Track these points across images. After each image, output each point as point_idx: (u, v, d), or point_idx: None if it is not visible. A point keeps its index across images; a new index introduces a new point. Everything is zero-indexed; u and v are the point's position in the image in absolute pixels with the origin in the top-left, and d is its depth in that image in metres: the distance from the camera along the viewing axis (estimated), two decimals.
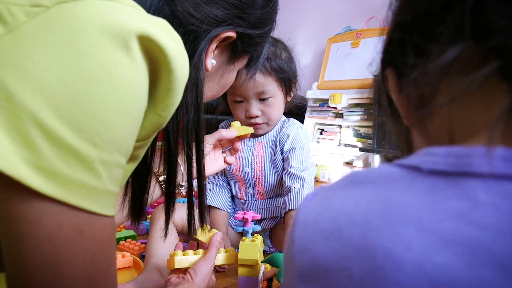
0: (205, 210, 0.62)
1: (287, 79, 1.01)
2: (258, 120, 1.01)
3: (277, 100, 1.01)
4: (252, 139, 1.08)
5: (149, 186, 0.54)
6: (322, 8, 2.79)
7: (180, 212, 0.98)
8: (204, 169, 0.57)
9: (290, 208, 0.92)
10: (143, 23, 0.33)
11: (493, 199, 0.15)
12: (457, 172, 0.17)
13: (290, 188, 0.96)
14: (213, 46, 0.51)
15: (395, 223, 0.17)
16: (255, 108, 0.99)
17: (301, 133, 1.04)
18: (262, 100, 0.99)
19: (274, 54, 0.98)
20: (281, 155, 1.05)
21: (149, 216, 1.24)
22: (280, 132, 1.06)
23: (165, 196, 0.57)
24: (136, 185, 0.53)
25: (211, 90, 0.60)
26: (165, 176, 0.55)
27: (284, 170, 1.03)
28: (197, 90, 0.50)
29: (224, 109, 1.10)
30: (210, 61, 0.53)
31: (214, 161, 0.88)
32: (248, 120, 1.02)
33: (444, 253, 0.15)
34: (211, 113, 1.12)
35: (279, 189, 1.07)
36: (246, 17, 0.52)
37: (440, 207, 0.16)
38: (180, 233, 1.04)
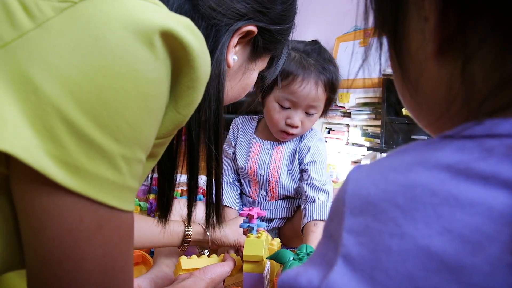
0: (221, 207, 0.62)
1: (331, 100, 1.01)
2: (295, 131, 0.99)
3: (318, 115, 1.01)
4: (271, 143, 1.07)
5: (176, 180, 0.54)
6: (330, 7, 2.78)
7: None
8: (222, 166, 0.57)
9: (314, 219, 0.91)
10: (167, 20, 0.33)
11: (502, 150, 0.20)
12: (481, 135, 0.21)
13: (314, 199, 0.94)
14: (235, 40, 0.52)
15: (431, 167, 0.21)
16: (298, 118, 0.98)
17: (320, 146, 1.04)
18: (308, 113, 0.98)
19: (335, 73, 0.97)
20: (299, 166, 1.04)
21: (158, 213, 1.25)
22: (301, 142, 1.04)
23: (188, 190, 0.57)
24: (163, 180, 0.53)
25: (233, 90, 0.60)
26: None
27: (303, 180, 1.02)
28: (219, 84, 0.51)
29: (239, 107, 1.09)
30: (232, 57, 0.53)
31: None
32: (285, 127, 0.99)
33: (467, 182, 0.20)
34: (233, 113, 1.10)
35: (292, 194, 1.06)
36: (267, 11, 0.53)
37: (465, 156, 0.21)
38: None
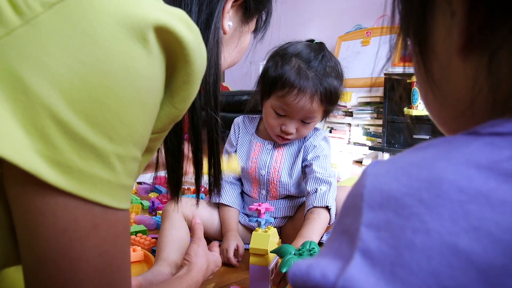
0: (221, 176, 0.62)
1: (332, 109, 1.01)
2: (290, 137, 1.00)
3: (315, 123, 1.01)
4: (272, 143, 1.07)
5: (184, 158, 0.54)
6: (332, 6, 2.78)
7: (192, 208, 0.99)
8: (219, 134, 0.58)
9: (315, 205, 0.92)
10: (161, 14, 0.32)
11: None
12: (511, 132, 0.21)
13: (316, 189, 0.95)
14: (228, 6, 0.51)
15: (458, 164, 0.21)
16: (293, 126, 0.98)
17: (324, 144, 1.05)
18: (303, 122, 0.98)
19: (336, 78, 0.96)
20: (303, 162, 1.04)
21: (160, 211, 1.26)
22: (305, 141, 1.04)
23: (194, 163, 0.57)
24: (171, 159, 0.53)
25: (231, 56, 0.60)
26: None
27: (306, 175, 1.02)
28: (218, 51, 0.50)
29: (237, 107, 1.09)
30: (227, 23, 0.53)
31: None
32: (280, 133, 1.00)
33: (498, 180, 0.19)
34: (237, 111, 1.10)
35: (293, 193, 1.06)
36: None
37: (496, 153, 0.20)
38: (191, 228, 1.05)
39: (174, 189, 0.58)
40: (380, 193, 0.22)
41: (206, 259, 0.73)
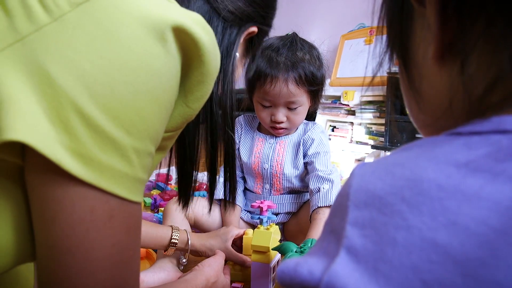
0: (236, 182, 0.65)
1: (317, 90, 1.03)
2: (282, 125, 1.03)
3: (304, 108, 1.03)
4: (274, 137, 1.10)
5: (197, 168, 0.56)
6: (336, 5, 2.78)
7: (194, 206, 1.00)
8: (234, 150, 0.61)
9: (319, 206, 0.94)
10: (178, 15, 0.34)
11: (510, 145, 0.21)
12: (489, 131, 0.22)
13: (319, 188, 0.97)
14: (242, 39, 0.55)
15: (438, 163, 0.22)
16: (282, 114, 1.02)
17: (323, 138, 1.07)
18: (290, 108, 1.01)
19: (309, 62, 0.99)
20: (304, 158, 1.06)
21: (162, 209, 1.26)
22: (304, 135, 1.07)
23: (209, 172, 0.59)
24: (187, 167, 0.55)
25: None
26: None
27: (308, 173, 1.04)
28: (233, 77, 0.55)
29: (246, 105, 1.10)
30: (236, 54, 0.57)
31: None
32: (272, 124, 1.04)
33: (475, 177, 0.20)
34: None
35: (297, 187, 1.08)
36: (266, 15, 0.58)
37: (473, 151, 0.21)
38: (193, 226, 1.06)
39: (185, 198, 0.59)
40: (365, 193, 0.23)
41: (217, 274, 0.74)
